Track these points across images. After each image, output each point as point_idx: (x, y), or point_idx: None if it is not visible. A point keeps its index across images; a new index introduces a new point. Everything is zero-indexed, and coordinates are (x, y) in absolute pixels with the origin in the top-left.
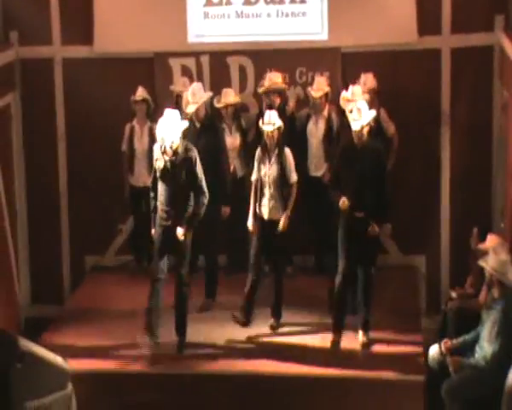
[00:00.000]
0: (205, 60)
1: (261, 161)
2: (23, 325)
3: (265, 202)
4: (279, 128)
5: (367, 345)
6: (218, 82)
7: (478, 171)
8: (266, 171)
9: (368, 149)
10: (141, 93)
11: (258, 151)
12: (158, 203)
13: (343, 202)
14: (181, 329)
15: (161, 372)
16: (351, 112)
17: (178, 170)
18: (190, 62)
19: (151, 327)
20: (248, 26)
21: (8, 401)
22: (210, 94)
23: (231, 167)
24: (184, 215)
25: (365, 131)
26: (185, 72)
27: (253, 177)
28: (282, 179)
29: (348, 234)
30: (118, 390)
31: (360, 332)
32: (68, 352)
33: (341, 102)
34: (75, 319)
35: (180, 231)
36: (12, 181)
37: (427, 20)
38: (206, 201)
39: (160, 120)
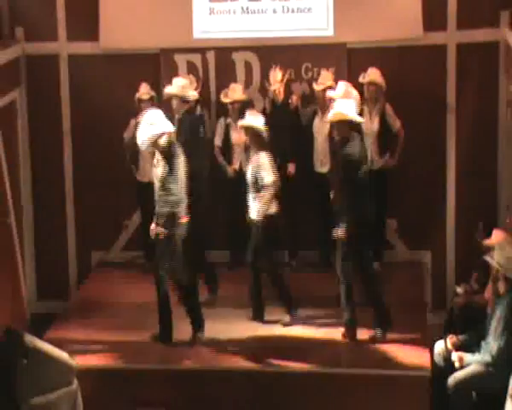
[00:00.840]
0: (210, 56)
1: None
2: (29, 321)
3: (248, 202)
4: (248, 129)
5: (374, 339)
6: (223, 78)
7: (483, 166)
8: (247, 173)
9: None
10: (146, 90)
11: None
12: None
13: None
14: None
15: (167, 368)
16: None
17: (163, 168)
18: (196, 58)
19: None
20: (254, 22)
21: (13, 397)
22: (196, 94)
23: (237, 163)
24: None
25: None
26: (191, 68)
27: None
28: (257, 182)
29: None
30: (123, 386)
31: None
32: (74, 348)
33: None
34: (81, 314)
35: (160, 230)
36: (18, 177)
37: (433, 16)
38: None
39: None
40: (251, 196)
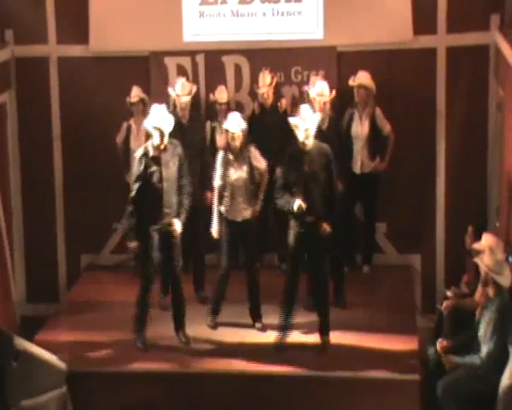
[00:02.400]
0: (200, 59)
1: (228, 166)
2: (18, 324)
3: (237, 203)
4: (243, 130)
5: (324, 347)
6: (213, 81)
7: (473, 169)
8: (238, 174)
9: (315, 150)
10: (137, 93)
11: (223, 156)
12: (148, 212)
13: (299, 205)
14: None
15: (157, 371)
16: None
17: (172, 166)
18: (186, 61)
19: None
20: (244, 25)
21: (3, 399)
22: (195, 88)
23: None
24: (180, 210)
25: (311, 135)
26: (181, 71)
27: (218, 183)
28: (252, 177)
29: (298, 239)
30: (113, 389)
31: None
32: (64, 350)
33: (313, 99)
34: (71, 317)
35: (178, 224)
36: (7, 180)
37: (423, 19)
38: (191, 189)
39: (151, 117)
40: (241, 197)
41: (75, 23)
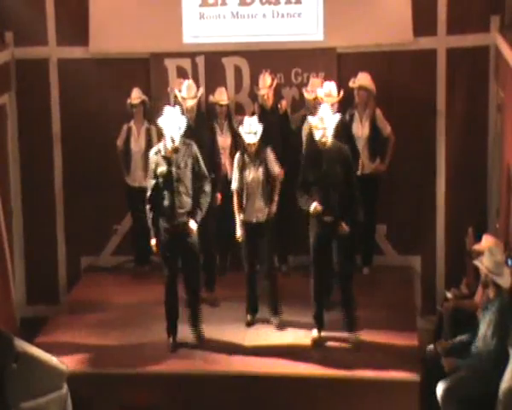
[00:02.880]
0: (200, 60)
1: (244, 168)
2: (18, 325)
3: (253, 205)
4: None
5: (357, 345)
6: (213, 83)
7: (473, 171)
8: (253, 176)
9: (333, 151)
10: (137, 95)
11: (239, 158)
12: (162, 211)
13: (316, 207)
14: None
15: (157, 372)
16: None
17: (183, 166)
18: (186, 63)
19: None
20: (244, 27)
21: (3, 401)
22: (201, 90)
23: (223, 168)
24: (195, 210)
25: (328, 135)
26: (181, 72)
27: (235, 186)
28: (267, 179)
29: (319, 239)
30: (113, 390)
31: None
32: (64, 352)
33: (320, 99)
34: (70, 319)
35: (194, 225)
36: (7, 181)
37: (423, 21)
38: (210, 188)
39: (163, 118)
40: (256, 199)
41: (75, 25)
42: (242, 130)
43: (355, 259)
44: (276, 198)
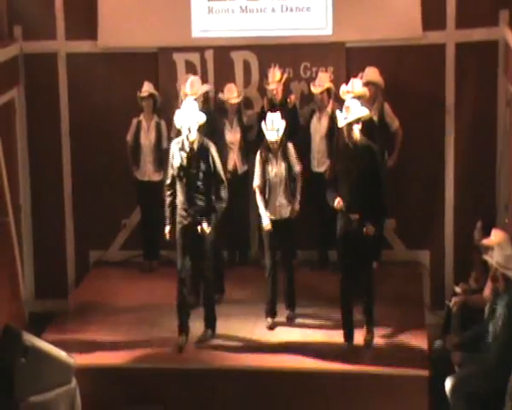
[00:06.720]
0: (209, 55)
1: (267, 164)
2: (27, 320)
3: (275, 201)
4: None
5: (370, 343)
6: (222, 77)
7: (482, 166)
8: (276, 171)
9: (361, 147)
10: (147, 88)
11: (262, 154)
12: (177, 202)
13: (338, 202)
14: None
15: (166, 367)
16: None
17: (196, 164)
18: (194, 57)
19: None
20: (253, 21)
21: (12, 395)
22: (208, 86)
23: (232, 163)
24: (207, 211)
25: (355, 129)
26: (189, 67)
27: (257, 182)
28: (289, 174)
29: (344, 235)
30: (122, 384)
31: (365, 330)
32: (72, 347)
33: (341, 95)
34: (79, 313)
35: (205, 226)
36: (16, 176)
37: (432, 15)
38: (226, 193)
39: (179, 111)
40: (278, 195)
41: (84, 19)
42: (264, 127)
43: (379, 254)
44: (298, 196)
